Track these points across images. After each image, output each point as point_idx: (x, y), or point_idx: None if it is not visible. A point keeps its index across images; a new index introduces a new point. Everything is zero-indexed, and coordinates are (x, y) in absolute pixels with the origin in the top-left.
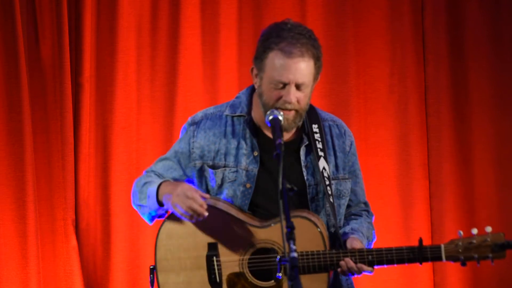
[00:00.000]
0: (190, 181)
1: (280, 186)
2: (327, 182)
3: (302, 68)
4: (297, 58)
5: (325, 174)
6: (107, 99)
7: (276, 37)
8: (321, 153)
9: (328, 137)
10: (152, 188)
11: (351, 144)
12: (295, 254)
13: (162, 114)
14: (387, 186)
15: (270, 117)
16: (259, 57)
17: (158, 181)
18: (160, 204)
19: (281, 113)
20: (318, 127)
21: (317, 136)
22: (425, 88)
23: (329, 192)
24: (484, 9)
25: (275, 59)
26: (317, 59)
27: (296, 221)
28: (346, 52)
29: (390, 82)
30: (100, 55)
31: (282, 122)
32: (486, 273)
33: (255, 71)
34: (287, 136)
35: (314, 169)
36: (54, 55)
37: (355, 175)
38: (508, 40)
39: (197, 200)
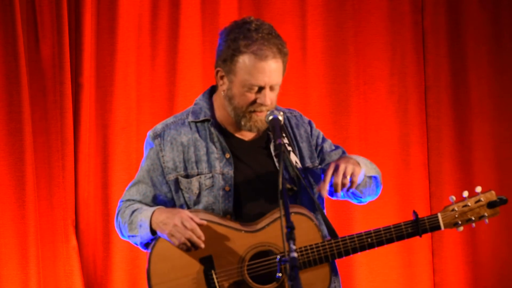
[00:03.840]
0: (163, 200)
1: (280, 186)
2: (303, 175)
3: (276, 69)
4: (270, 60)
5: (299, 167)
6: (107, 99)
7: (244, 39)
8: (289, 147)
9: (290, 129)
10: (144, 217)
11: (310, 128)
12: (295, 254)
13: (162, 114)
14: (387, 186)
15: (270, 117)
16: (228, 60)
17: (150, 209)
18: (153, 233)
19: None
20: None
21: None
22: (425, 88)
23: (306, 184)
24: (484, 9)
25: (248, 63)
26: (285, 56)
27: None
28: (346, 52)
29: (390, 82)
30: (100, 55)
31: (256, 123)
32: (486, 272)
33: (221, 73)
34: (251, 135)
35: (285, 164)
36: (54, 55)
37: (324, 141)
38: (508, 40)
39: (196, 231)
